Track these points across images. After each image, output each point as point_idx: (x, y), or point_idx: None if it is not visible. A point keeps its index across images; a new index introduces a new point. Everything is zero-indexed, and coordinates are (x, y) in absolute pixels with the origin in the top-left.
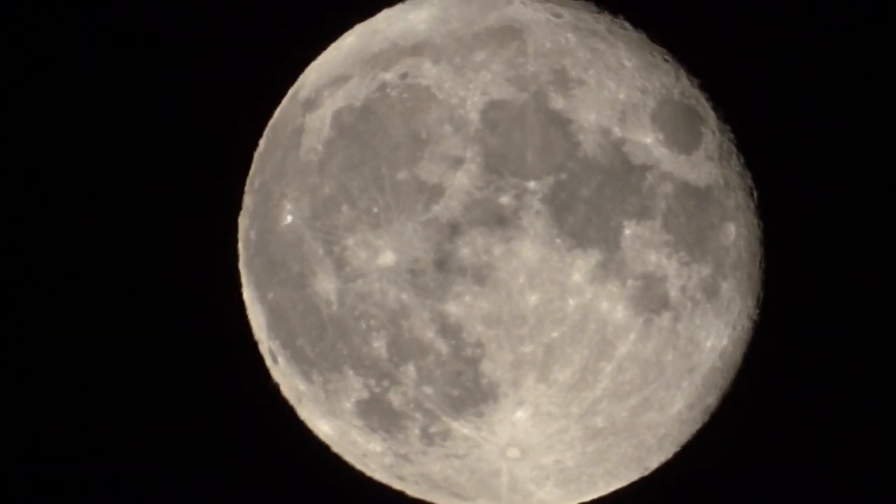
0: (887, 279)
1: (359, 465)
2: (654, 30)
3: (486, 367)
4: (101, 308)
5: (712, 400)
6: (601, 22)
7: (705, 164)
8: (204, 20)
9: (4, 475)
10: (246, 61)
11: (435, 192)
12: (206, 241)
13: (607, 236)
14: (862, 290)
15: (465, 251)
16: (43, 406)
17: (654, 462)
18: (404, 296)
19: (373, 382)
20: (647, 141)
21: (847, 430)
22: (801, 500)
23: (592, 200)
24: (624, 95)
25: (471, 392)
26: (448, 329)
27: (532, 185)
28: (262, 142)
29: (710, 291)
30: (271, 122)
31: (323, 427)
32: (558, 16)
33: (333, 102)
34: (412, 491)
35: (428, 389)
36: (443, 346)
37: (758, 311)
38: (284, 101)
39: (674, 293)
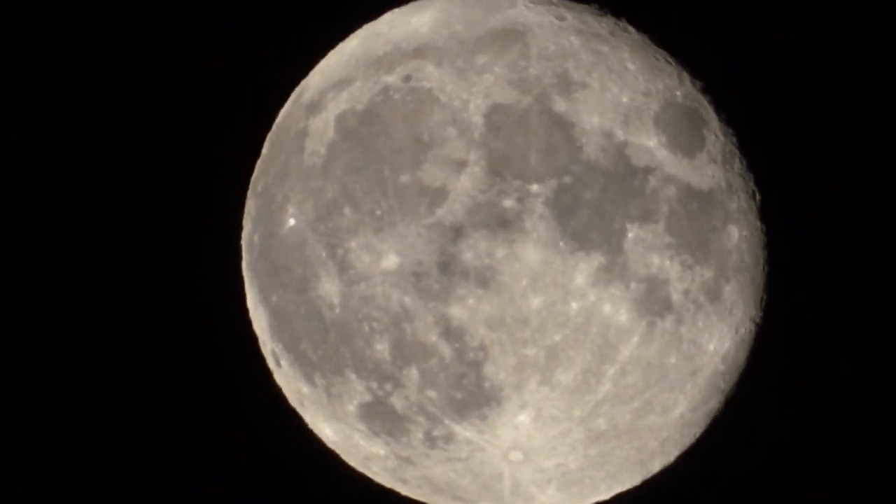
0: (890, 282)
1: (361, 469)
2: (657, 32)
3: (488, 370)
4: (104, 311)
5: (715, 403)
6: (604, 25)
7: (708, 167)
8: (208, 23)
9: (4, 475)
10: (249, 64)
11: (438, 195)
12: (209, 245)
13: (610, 239)
14: (864, 294)
15: (468, 254)
16: (44, 408)
17: (656, 465)
18: (407, 299)
19: (375, 385)
20: (650, 144)
21: (849, 434)
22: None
23: (595, 203)
24: (627, 98)
25: (473, 395)
26: (451, 332)
27: (535, 188)
28: (265, 145)
29: (713, 294)
30: (275, 125)
31: (326, 430)
32: (561, 18)
33: (336, 105)
34: (415, 494)
35: (431, 392)
36: (446, 350)
37: (760, 314)
38: (288, 104)
39: (676, 296)
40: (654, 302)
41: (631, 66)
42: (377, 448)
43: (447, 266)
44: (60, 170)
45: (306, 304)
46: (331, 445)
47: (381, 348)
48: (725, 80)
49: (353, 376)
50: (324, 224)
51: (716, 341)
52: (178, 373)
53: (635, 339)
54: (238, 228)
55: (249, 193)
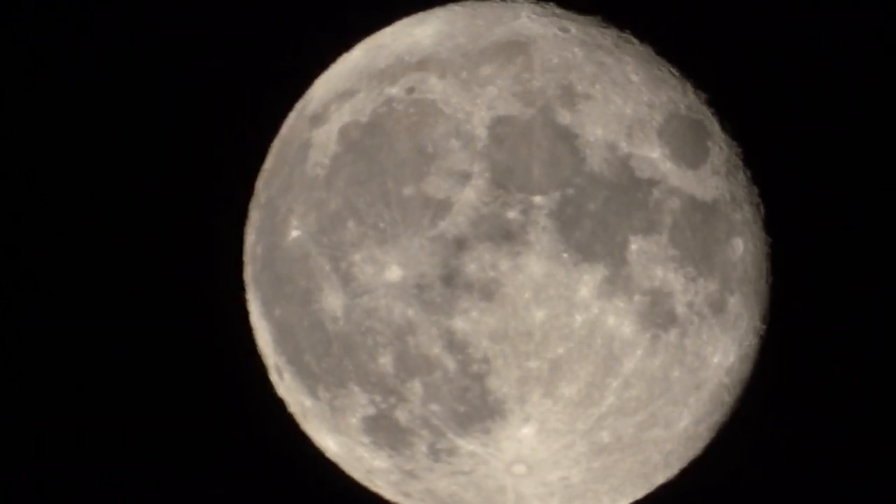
0: (895, 294)
1: (365, 482)
2: (660, 44)
3: (492, 383)
4: (106, 322)
5: (719, 416)
6: (608, 36)
7: (712, 178)
8: (211, 34)
9: (4, 475)
10: (253, 76)
11: (441, 208)
12: (212, 257)
13: (614, 251)
14: (869, 306)
15: (471, 267)
16: (47, 411)
17: (660, 478)
18: (411, 311)
19: (379, 398)
20: (654, 156)
21: (854, 447)
22: None
23: (599, 215)
24: (630, 110)
25: (477, 408)
26: (454, 345)
27: (539, 199)
28: (268, 157)
29: (717, 307)
30: (278, 136)
31: (329, 443)
32: (565, 30)
33: (340, 117)
34: None
35: (434, 406)
36: (449, 362)
37: (764, 326)
38: (291, 115)
39: (681, 309)
40: (658, 314)
41: (634, 78)
42: (380, 461)
43: (450, 278)
44: (67, 178)
45: (309, 316)
46: (334, 458)
47: (385, 361)
48: (729, 91)
49: (356, 389)
50: (327, 236)
51: (720, 354)
52: (180, 384)
53: (639, 351)
54: (241, 240)
55: (253, 205)
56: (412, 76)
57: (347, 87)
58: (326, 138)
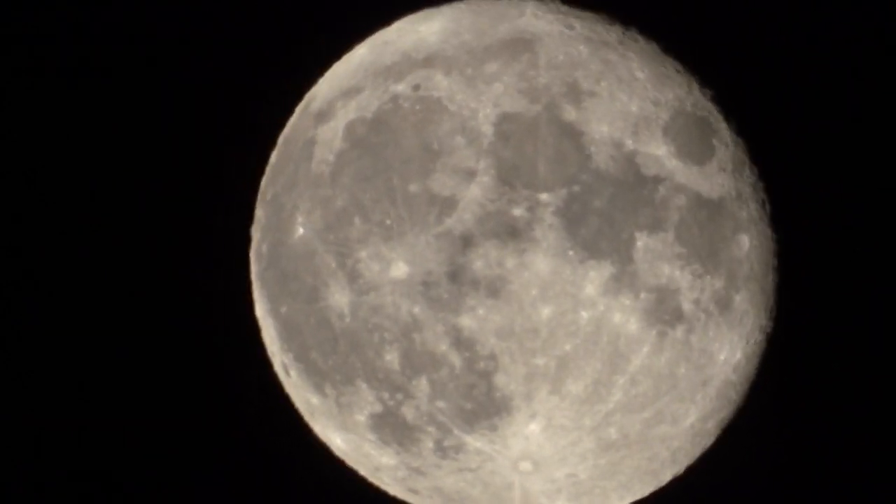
0: None
1: (372, 479)
2: (666, 41)
3: (499, 379)
4: (112, 322)
5: (725, 413)
6: (613, 33)
7: (718, 175)
8: (216, 32)
9: (5, 475)
10: (258, 73)
11: (447, 205)
12: (218, 254)
13: (620, 248)
14: (875, 303)
15: (477, 264)
16: (50, 410)
17: (667, 475)
18: (417, 309)
19: (386, 395)
20: (660, 153)
21: (860, 444)
22: None
23: (605, 212)
24: (636, 107)
25: (484, 405)
26: (461, 342)
27: (545, 197)
28: (273, 154)
29: (724, 304)
30: (283, 133)
31: (336, 440)
32: (570, 27)
33: (345, 114)
34: None
35: (441, 403)
36: (456, 359)
37: (771, 323)
38: (296, 112)
39: (687, 305)
40: (664, 311)
41: (640, 75)
42: (387, 458)
43: (457, 275)
44: (70, 177)
45: (316, 313)
46: (341, 455)
47: (391, 358)
48: (735, 88)
49: (363, 386)
50: (333, 233)
51: (726, 351)
52: (186, 382)
53: (646, 348)
54: (247, 238)
55: (258, 202)
56: (418, 73)
57: (353, 84)
58: (332, 135)
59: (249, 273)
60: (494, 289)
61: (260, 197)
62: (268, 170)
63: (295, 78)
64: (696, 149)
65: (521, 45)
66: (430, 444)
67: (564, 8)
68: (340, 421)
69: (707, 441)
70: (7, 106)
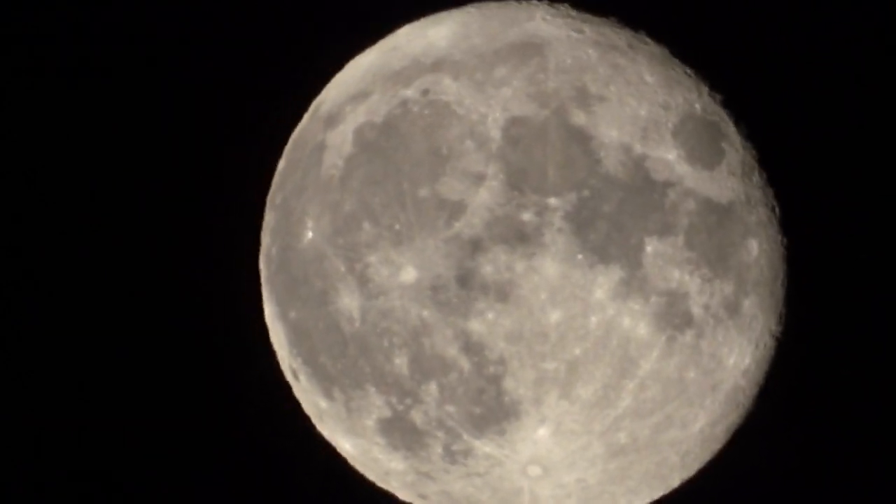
0: None
1: (381, 484)
2: (675, 45)
3: (508, 384)
4: (120, 326)
5: (735, 417)
6: (622, 37)
7: (727, 180)
8: (225, 37)
9: (6, 475)
10: (267, 77)
11: (456, 209)
12: (227, 258)
13: (629, 253)
14: (885, 307)
15: (487, 268)
16: (59, 414)
17: (676, 480)
18: (426, 313)
19: (395, 400)
20: (669, 157)
21: (870, 449)
22: None
23: (614, 217)
24: (645, 111)
25: (493, 410)
26: (470, 346)
27: (553, 201)
28: (283, 158)
29: (733, 308)
30: (292, 138)
31: (345, 445)
32: (579, 31)
33: (355, 118)
34: None
35: (450, 407)
36: (465, 364)
37: (780, 328)
38: (305, 117)
39: (696, 310)
40: (673, 316)
41: (649, 79)
42: (396, 463)
43: (466, 280)
44: (75, 179)
45: (325, 318)
46: (350, 460)
47: (400, 362)
48: (744, 92)
49: (372, 390)
50: (342, 238)
51: (735, 355)
52: (195, 386)
53: (655, 353)
54: (256, 242)
55: (268, 206)
56: (427, 78)
57: (362, 88)
58: (341, 140)
59: (259, 277)
60: (503, 293)
61: (269, 201)
62: (277, 174)
63: (304, 82)
64: (705, 153)
65: (530, 50)
66: (439, 449)
67: (574, 12)
68: (349, 425)
69: (716, 446)
70: (15, 106)
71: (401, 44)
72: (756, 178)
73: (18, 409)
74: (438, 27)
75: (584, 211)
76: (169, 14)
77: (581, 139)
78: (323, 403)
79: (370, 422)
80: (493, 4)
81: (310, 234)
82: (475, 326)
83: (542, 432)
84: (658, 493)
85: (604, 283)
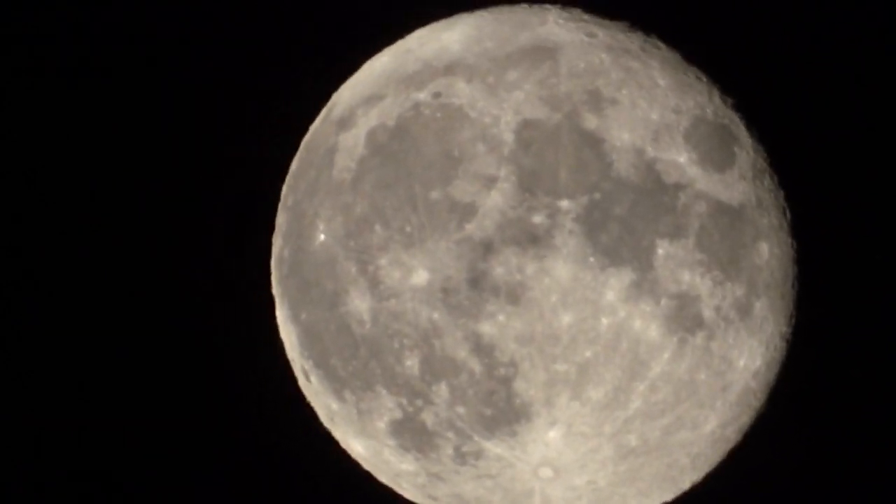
0: None
1: (391, 485)
2: (687, 49)
3: (519, 386)
4: (130, 327)
5: (746, 419)
6: (634, 41)
7: (739, 183)
8: (237, 40)
9: (9, 476)
10: (280, 80)
11: (468, 211)
12: (238, 261)
13: (640, 255)
14: None
15: (498, 270)
16: (66, 415)
17: (686, 482)
18: (437, 315)
19: (405, 402)
20: (681, 160)
21: (881, 451)
22: None
23: (626, 219)
24: (657, 115)
25: (504, 411)
26: (481, 348)
27: (565, 204)
28: (295, 160)
29: (744, 311)
30: (304, 140)
31: (356, 446)
32: (592, 35)
33: (367, 121)
34: None
35: (461, 409)
36: (476, 366)
37: (791, 330)
38: (318, 120)
39: (707, 312)
40: (684, 318)
41: (661, 83)
42: (407, 464)
43: (477, 282)
44: (91, 184)
45: (336, 320)
46: (361, 461)
47: (411, 364)
48: (756, 96)
49: (383, 392)
50: (354, 240)
51: (746, 357)
52: (206, 387)
53: (666, 355)
54: (268, 244)
55: (280, 208)
56: (439, 81)
57: (374, 91)
58: (353, 142)
59: (270, 279)
60: (514, 295)
61: (281, 203)
62: (289, 176)
63: (317, 85)
64: (716, 156)
65: (542, 53)
66: (450, 451)
67: (586, 16)
68: (360, 427)
69: (726, 447)
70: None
71: (414, 47)
72: (767, 180)
73: (33, 409)
74: (451, 31)
75: (595, 213)
76: (183, 14)
77: (593, 142)
78: (334, 405)
79: (381, 423)
80: (505, 8)
81: (321, 237)
82: (486, 328)
83: (553, 434)
84: (669, 496)
85: (615, 285)
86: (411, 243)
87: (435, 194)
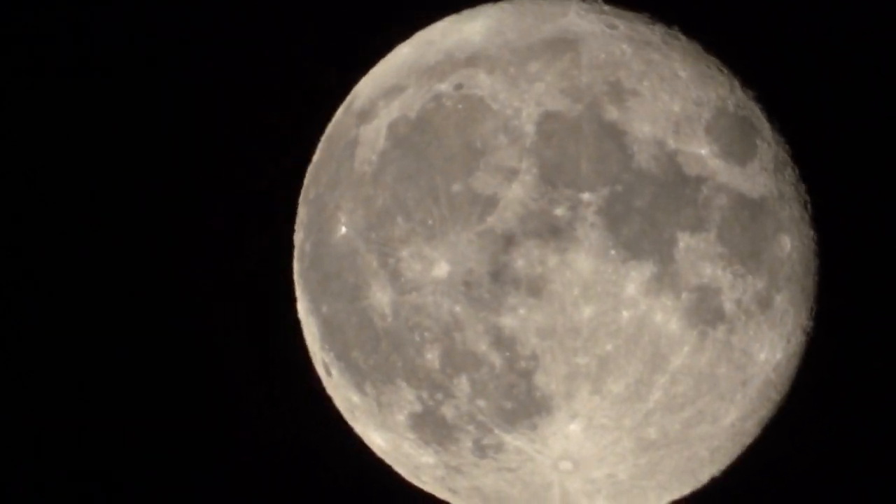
0: None
1: (411, 478)
2: (708, 41)
3: (539, 379)
4: (153, 319)
5: (765, 412)
6: (656, 33)
7: (760, 175)
8: (258, 33)
9: (13, 476)
10: (301, 73)
11: (490, 204)
12: (260, 254)
13: (661, 248)
14: None
15: (519, 263)
16: (76, 415)
17: (706, 475)
18: (458, 308)
19: (426, 395)
20: (702, 152)
21: None
22: None
23: (647, 212)
24: (678, 107)
25: (524, 404)
26: (502, 341)
27: (587, 196)
28: (316, 153)
29: (764, 304)
30: (326, 133)
31: (376, 439)
32: (613, 27)
33: (388, 113)
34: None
35: (481, 402)
36: (496, 359)
37: (811, 323)
38: (339, 112)
39: (728, 305)
40: (705, 311)
41: (682, 75)
42: (427, 457)
43: (498, 275)
44: (110, 183)
45: (358, 313)
46: (381, 454)
47: (432, 357)
48: (777, 88)
49: (403, 385)
50: (375, 233)
51: (766, 351)
52: (227, 380)
53: (686, 348)
54: (289, 237)
55: (301, 201)
56: (461, 72)
57: (396, 83)
58: (375, 134)
59: (291, 272)
60: (536, 288)
61: (303, 196)
62: (310, 169)
63: (338, 77)
64: (738, 148)
65: (563, 45)
66: (469, 444)
67: (607, 8)
68: (381, 420)
69: (746, 440)
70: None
71: (435, 38)
72: (788, 173)
73: (40, 409)
74: (473, 22)
75: (616, 206)
76: (204, 8)
77: (614, 134)
78: (355, 398)
79: (401, 416)
80: (527, 0)
81: (343, 229)
82: (507, 321)
83: (574, 427)
84: (688, 488)
85: (636, 278)
86: (433, 236)
87: (456, 186)
